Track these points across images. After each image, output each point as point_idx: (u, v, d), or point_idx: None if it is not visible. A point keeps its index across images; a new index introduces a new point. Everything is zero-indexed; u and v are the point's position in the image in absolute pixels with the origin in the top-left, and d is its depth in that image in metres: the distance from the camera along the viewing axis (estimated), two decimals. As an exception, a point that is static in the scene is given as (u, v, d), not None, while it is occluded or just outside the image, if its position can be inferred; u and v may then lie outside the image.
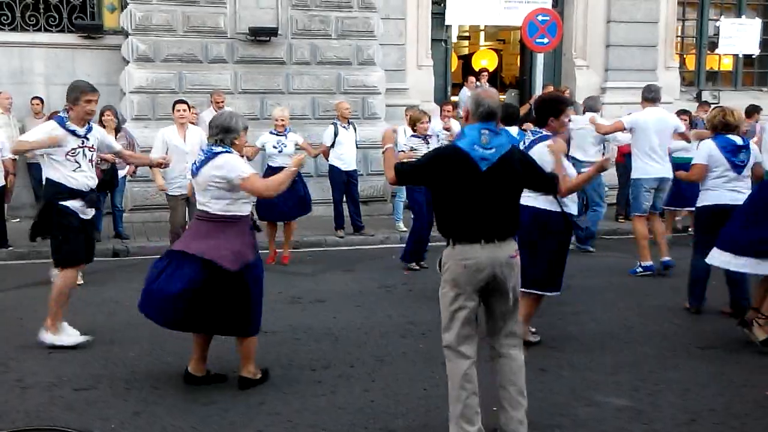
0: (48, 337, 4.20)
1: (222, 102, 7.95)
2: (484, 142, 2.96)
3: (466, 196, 2.95)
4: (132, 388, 3.63)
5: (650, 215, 6.25)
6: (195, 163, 3.57)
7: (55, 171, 4.18)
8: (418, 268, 6.34)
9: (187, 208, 6.00)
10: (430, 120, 6.57)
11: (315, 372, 3.85)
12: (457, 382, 2.95)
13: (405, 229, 7.91)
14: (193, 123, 6.66)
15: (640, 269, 6.12)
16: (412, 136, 6.50)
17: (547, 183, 3.23)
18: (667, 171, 6.10)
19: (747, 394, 3.57)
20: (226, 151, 3.48)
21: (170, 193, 6.08)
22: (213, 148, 3.50)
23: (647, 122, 6.05)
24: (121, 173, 7.10)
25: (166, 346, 4.16)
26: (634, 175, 6.17)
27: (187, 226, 5.99)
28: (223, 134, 3.49)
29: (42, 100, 8.41)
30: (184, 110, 6.11)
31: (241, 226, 3.53)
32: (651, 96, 6.16)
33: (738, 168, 4.75)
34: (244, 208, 3.58)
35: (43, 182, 4.31)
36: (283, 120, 6.62)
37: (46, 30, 8.77)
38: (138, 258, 6.74)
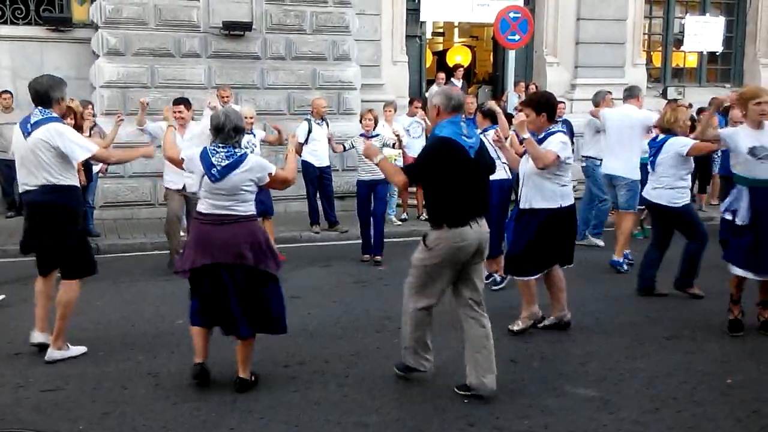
0: (58, 353, 3.91)
1: (228, 97, 7.75)
2: (466, 132, 3.32)
3: (460, 182, 3.30)
4: (101, 387, 3.57)
5: (617, 211, 6.40)
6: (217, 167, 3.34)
7: (74, 176, 3.91)
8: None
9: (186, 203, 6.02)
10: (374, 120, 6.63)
11: (289, 368, 3.84)
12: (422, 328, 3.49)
13: (399, 222, 8.10)
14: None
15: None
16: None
17: (492, 166, 3.65)
18: (617, 169, 6.18)
19: (710, 382, 3.67)
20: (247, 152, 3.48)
21: (167, 187, 6.14)
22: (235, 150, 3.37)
23: (607, 118, 6.37)
24: (94, 169, 6.96)
25: (136, 345, 4.11)
26: None
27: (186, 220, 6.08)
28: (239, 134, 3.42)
29: (12, 94, 8.20)
30: (180, 111, 6.05)
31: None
32: (624, 95, 6.42)
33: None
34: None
35: (54, 189, 3.79)
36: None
37: (12, 23, 8.55)
38: (109, 256, 6.64)
